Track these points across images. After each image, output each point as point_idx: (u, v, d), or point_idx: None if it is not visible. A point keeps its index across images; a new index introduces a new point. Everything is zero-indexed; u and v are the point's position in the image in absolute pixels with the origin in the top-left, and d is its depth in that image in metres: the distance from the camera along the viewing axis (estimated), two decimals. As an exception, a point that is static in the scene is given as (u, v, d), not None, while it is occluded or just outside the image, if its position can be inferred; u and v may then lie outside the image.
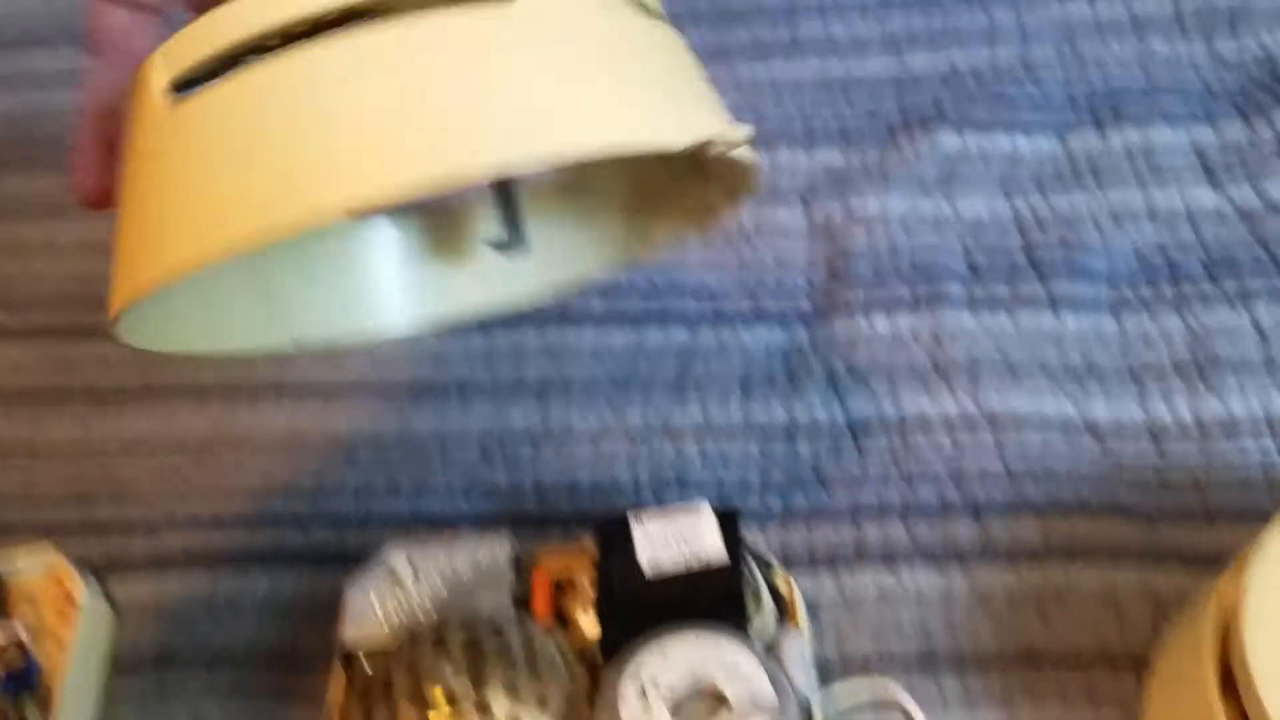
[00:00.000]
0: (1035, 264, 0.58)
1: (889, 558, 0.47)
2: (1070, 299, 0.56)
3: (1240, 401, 0.51)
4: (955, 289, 0.57)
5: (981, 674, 0.44)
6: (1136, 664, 0.43)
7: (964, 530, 0.48)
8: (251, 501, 0.53)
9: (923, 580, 0.47)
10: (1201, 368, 0.53)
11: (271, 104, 0.27)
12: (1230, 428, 0.50)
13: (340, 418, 0.56)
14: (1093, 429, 0.51)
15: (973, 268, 0.58)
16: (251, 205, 0.27)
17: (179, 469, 0.55)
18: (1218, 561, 0.41)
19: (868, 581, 0.47)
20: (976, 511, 0.49)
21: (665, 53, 0.34)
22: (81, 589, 0.48)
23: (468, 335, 0.59)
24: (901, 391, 0.53)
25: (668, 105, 0.31)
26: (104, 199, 0.33)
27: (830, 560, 0.48)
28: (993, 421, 0.51)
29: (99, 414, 0.57)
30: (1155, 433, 0.51)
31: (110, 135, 0.33)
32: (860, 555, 0.48)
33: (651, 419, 0.54)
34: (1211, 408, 0.51)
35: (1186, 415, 0.51)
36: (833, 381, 0.55)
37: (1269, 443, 0.50)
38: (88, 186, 0.33)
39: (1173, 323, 0.55)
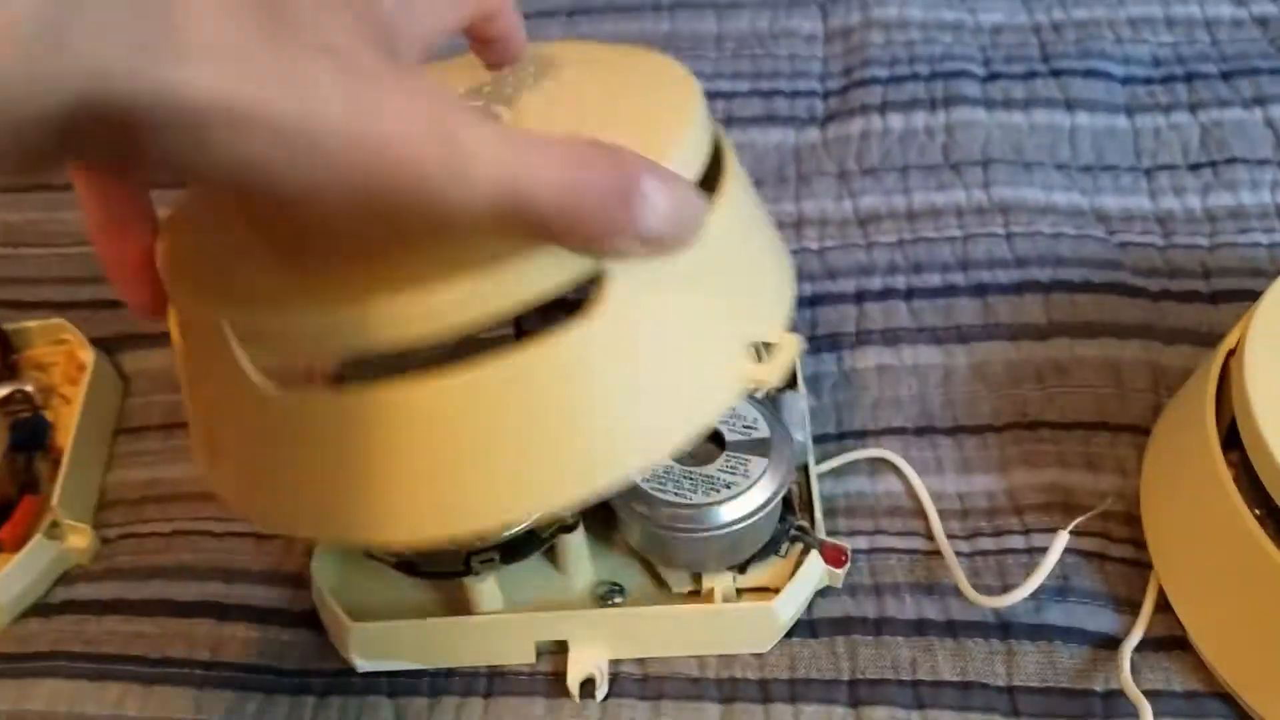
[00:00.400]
0: (1052, 68, 0.57)
1: (891, 337, 0.48)
2: (1085, 100, 0.55)
3: (1250, 194, 0.51)
4: (971, 89, 0.56)
5: (979, 441, 0.44)
6: (1136, 433, 0.43)
7: (968, 310, 0.48)
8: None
9: (924, 356, 0.47)
10: (1214, 162, 0.52)
11: (446, 418, 0.30)
12: (1239, 217, 0.50)
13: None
14: (1102, 218, 0.51)
15: (990, 70, 0.58)
16: (454, 505, 0.31)
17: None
18: (1222, 339, 0.41)
19: (869, 359, 0.47)
20: (982, 293, 0.48)
21: (731, 292, 0.34)
22: (91, 356, 0.49)
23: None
24: (912, 184, 0.53)
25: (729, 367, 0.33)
26: (161, 307, 0.34)
27: (833, 340, 0.48)
28: (1003, 210, 0.51)
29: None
30: (1163, 221, 0.50)
31: (123, 250, 0.33)
32: (862, 335, 0.48)
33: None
34: (1221, 199, 0.51)
35: (1196, 205, 0.51)
36: (844, 177, 0.54)
37: (1277, 233, 0.49)
38: (143, 303, 0.34)
39: (1186, 120, 0.54)
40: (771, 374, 0.33)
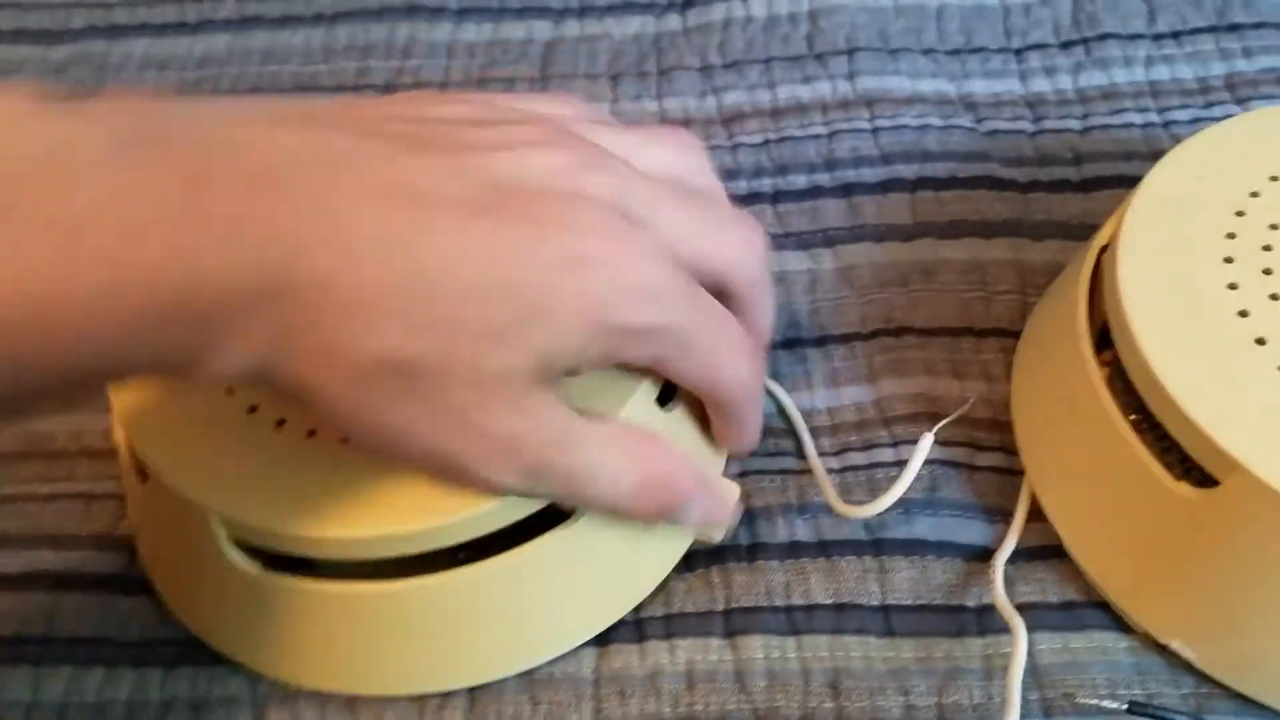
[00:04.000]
0: (920, -57, 0.54)
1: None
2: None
3: (1124, 71, 0.49)
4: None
5: (846, 350, 0.43)
6: (1004, 336, 0.42)
7: (834, 212, 0.46)
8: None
9: (791, 263, 0.45)
10: (1086, 39, 0.50)
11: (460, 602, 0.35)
12: (1112, 97, 0.48)
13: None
14: (970, 105, 0.49)
15: (854, -51, 0.55)
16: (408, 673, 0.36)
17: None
18: (1092, 230, 0.39)
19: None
20: (848, 193, 0.46)
21: None
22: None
23: (308, 28, 0.54)
24: (777, 77, 0.50)
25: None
26: None
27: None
28: (868, 103, 0.49)
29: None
30: (1033, 104, 0.49)
31: None
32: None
33: (511, 116, 0.50)
34: (1093, 78, 0.49)
35: (1067, 86, 0.49)
36: (706, 71, 0.51)
37: (1152, 113, 0.48)
38: None
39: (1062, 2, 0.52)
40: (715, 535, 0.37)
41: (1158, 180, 0.38)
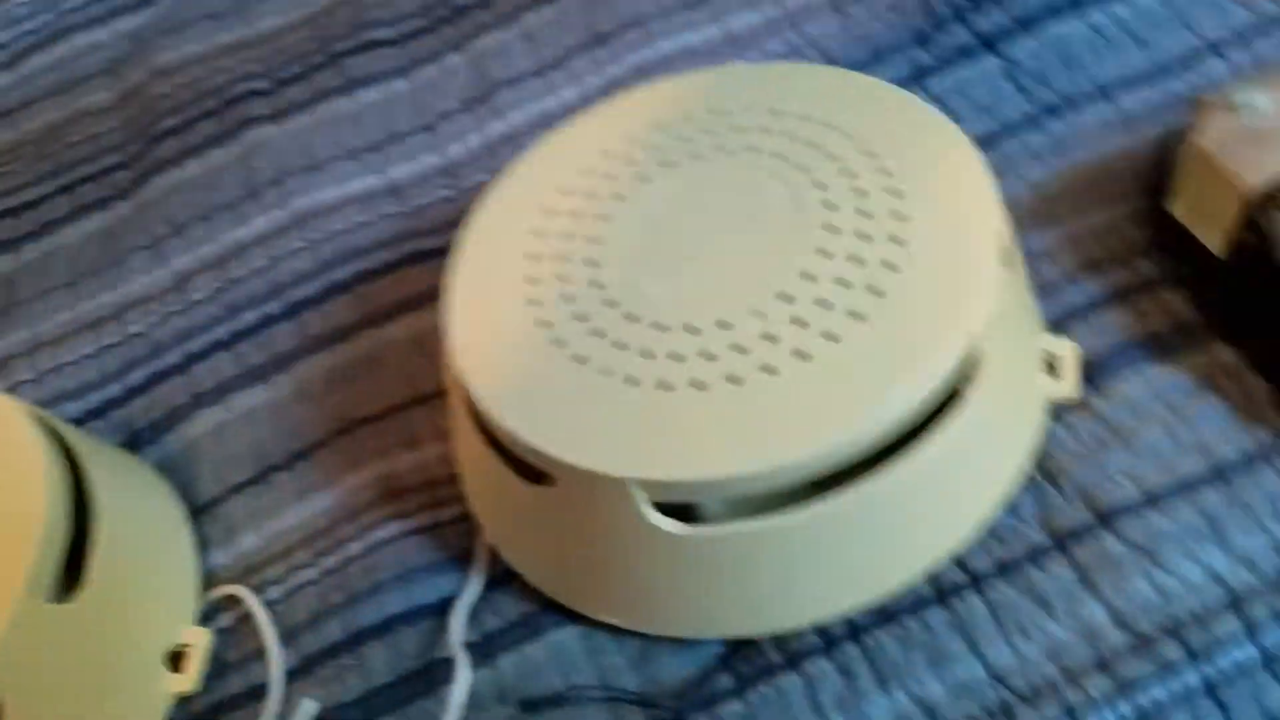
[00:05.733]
0: (330, 54, 0.57)
1: (221, 391, 0.47)
2: (364, 76, 0.56)
3: (519, 113, 0.52)
4: (260, 107, 0.56)
5: (309, 465, 0.44)
6: (444, 394, 0.44)
7: (284, 336, 0.48)
8: None
9: (253, 399, 0.46)
10: (484, 94, 0.53)
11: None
12: (514, 140, 0.51)
13: None
14: (395, 190, 0.51)
15: (275, 79, 0.57)
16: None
17: None
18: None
19: (205, 423, 0.46)
20: (296, 312, 0.48)
21: None
22: None
23: None
24: (218, 227, 0.52)
25: None
26: None
27: (169, 417, 0.47)
28: (301, 222, 0.51)
29: None
30: (452, 170, 0.51)
31: None
32: (198, 399, 0.47)
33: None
34: (497, 129, 0.52)
35: (476, 143, 0.52)
36: (157, 245, 0.53)
37: (551, 140, 0.51)
38: None
39: (455, 61, 0.55)
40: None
41: (476, 220, 0.41)
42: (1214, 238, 0.37)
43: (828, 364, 0.33)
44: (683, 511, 0.35)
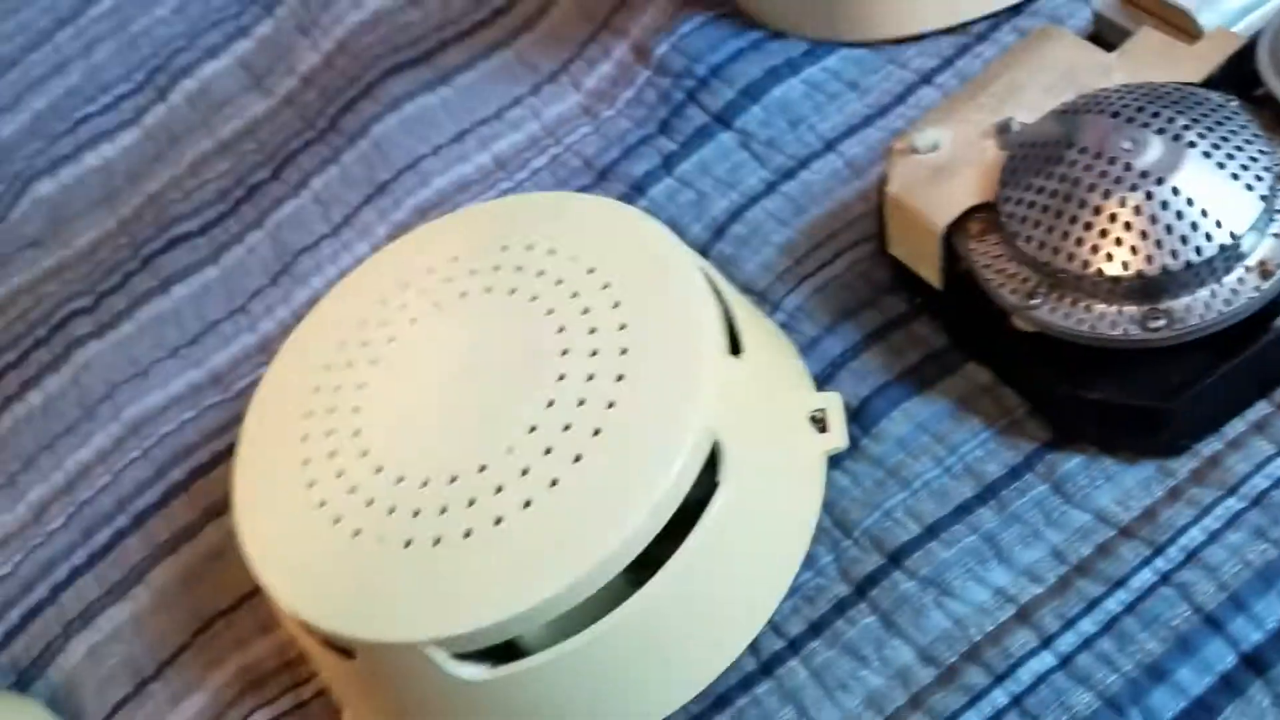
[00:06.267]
0: (141, 256, 0.59)
1: (89, 616, 0.48)
2: (175, 271, 0.58)
3: (319, 276, 0.54)
4: (84, 325, 0.58)
5: (177, 669, 0.46)
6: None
7: (135, 547, 0.50)
8: None
9: (119, 616, 0.48)
10: (285, 265, 0.56)
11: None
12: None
13: None
14: (216, 379, 0.53)
15: (96, 294, 0.59)
16: None
17: None
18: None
19: (79, 651, 0.48)
20: (142, 522, 0.50)
21: None
22: None
23: None
24: (61, 453, 0.54)
25: None
26: None
27: (48, 652, 0.48)
28: (135, 430, 0.53)
29: None
30: (266, 348, 0.53)
31: None
32: (68, 631, 0.48)
33: None
34: (301, 296, 0.54)
35: (285, 314, 0.54)
36: (14, 482, 0.54)
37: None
38: None
39: (257, 237, 0.57)
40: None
41: (250, 414, 0.43)
42: (930, 272, 0.39)
43: (574, 482, 0.35)
44: (502, 650, 0.36)
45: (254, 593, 0.46)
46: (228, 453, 0.50)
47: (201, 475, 0.50)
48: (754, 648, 0.38)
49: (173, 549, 0.49)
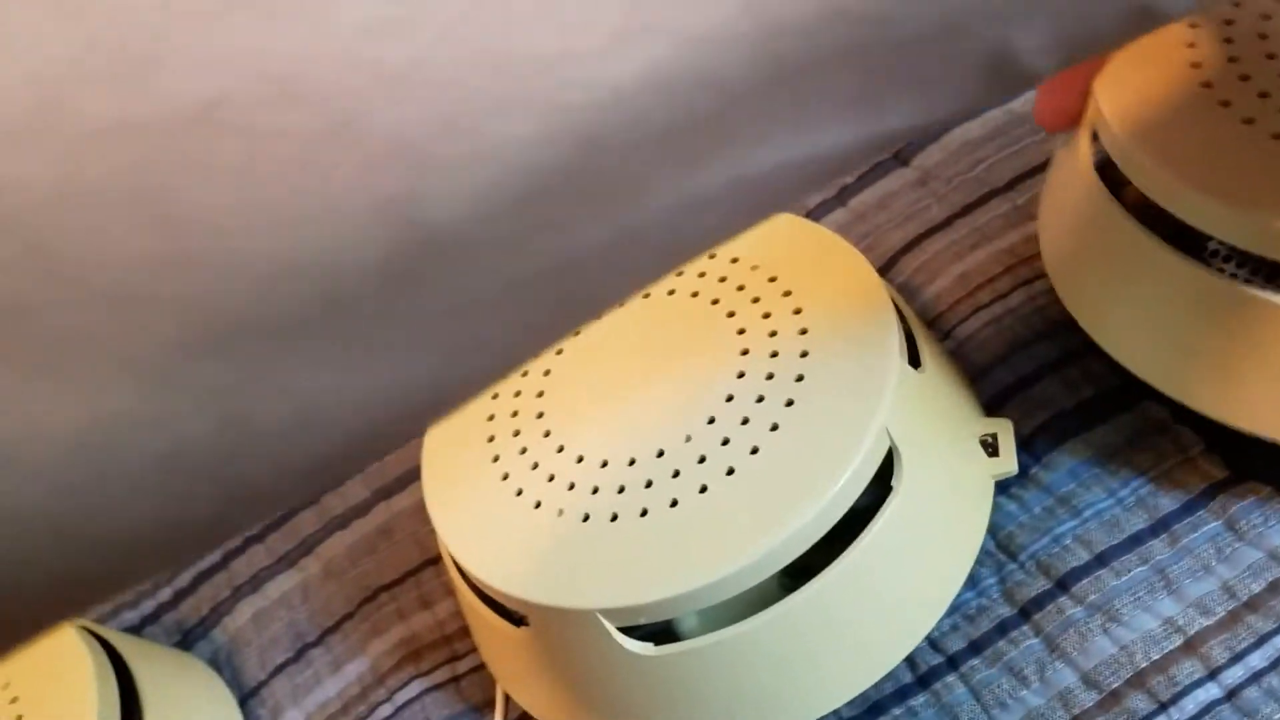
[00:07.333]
0: None
1: (257, 581, 0.51)
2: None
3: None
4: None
5: (341, 635, 0.48)
6: (460, 551, 0.48)
7: (308, 521, 0.52)
8: None
9: (285, 584, 0.50)
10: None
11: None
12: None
13: None
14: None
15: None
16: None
17: None
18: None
19: (245, 614, 0.50)
20: (315, 501, 0.52)
21: None
22: None
23: None
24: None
25: None
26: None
27: (215, 612, 0.51)
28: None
29: None
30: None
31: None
32: (236, 593, 0.51)
33: None
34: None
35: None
36: None
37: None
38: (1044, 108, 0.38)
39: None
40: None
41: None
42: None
43: (750, 472, 0.37)
44: (663, 633, 0.37)
45: (419, 569, 0.48)
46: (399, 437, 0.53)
47: (375, 458, 0.52)
48: (910, 661, 0.39)
49: (344, 524, 0.51)
